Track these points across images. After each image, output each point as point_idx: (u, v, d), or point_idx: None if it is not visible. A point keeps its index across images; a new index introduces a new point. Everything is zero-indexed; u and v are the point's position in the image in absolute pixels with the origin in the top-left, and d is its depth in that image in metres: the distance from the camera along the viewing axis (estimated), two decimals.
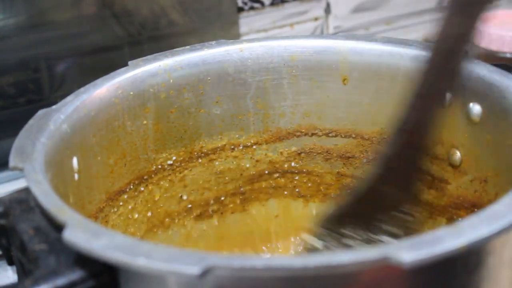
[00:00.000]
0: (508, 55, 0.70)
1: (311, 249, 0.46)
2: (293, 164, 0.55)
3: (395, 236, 0.45)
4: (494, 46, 0.70)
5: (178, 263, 0.31)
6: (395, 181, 0.44)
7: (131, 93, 0.49)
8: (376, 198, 0.45)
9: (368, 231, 0.45)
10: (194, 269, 0.31)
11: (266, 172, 0.55)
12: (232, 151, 0.54)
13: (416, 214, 0.45)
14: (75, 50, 0.70)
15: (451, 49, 0.42)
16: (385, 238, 0.45)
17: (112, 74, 0.49)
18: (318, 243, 0.46)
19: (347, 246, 0.45)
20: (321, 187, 0.55)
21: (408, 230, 0.45)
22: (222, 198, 0.55)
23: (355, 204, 0.45)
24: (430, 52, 0.42)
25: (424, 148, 0.44)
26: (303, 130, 0.54)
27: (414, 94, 0.43)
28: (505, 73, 0.45)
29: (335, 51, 0.52)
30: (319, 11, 0.84)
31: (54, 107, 0.45)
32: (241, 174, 0.54)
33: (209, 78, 0.51)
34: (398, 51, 0.50)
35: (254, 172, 0.55)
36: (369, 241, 0.45)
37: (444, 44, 0.42)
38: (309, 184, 0.56)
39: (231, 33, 0.78)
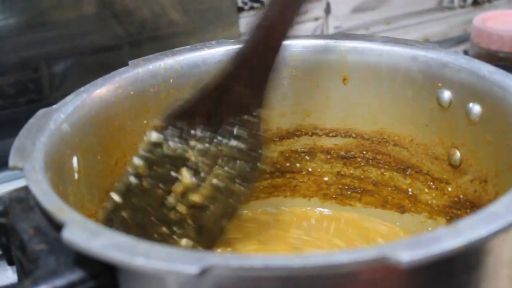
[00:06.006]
0: (508, 55, 0.70)
1: (150, 144, 0.45)
2: (293, 163, 0.55)
3: (242, 140, 0.46)
4: (494, 46, 0.70)
5: (176, 262, 0.31)
6: (247, 80, 0.45)
7: (131, 92, 0.49)
8: (228, 98, 0.45)
9: (217, 134, 0.46)
10: (192, 269, 0.31)
11: (266, 171, 0.55)
12: None
13: (264, 116, 0.46)
14: (75, 50, 0.70)
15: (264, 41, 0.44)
16: (232, 142, 0.46)
17: (112, 73, 0.49)
18: (159, 138, 0.45)
19: (190, 146, 0.46)
20: (321, 187, 0.55)
21: (255, 135, 0.46)
22: None
23: (206, 102, 0.45)
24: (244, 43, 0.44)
25: (278, 49, 0.45)
26: (303, 130, 0.54)
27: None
28: (505, 73, 0.45)
29: (335, 51, 0.52)
30: (319, 11, 0.84)
31: (54, 106, 0.45)
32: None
33: (209, 78, 0.51)
34: (398, 51, 0.50)
35: None
36: (216, 145, 0.46)
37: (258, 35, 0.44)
38: (309, 184, 0.56)
39: (231, 33, 0.78)
